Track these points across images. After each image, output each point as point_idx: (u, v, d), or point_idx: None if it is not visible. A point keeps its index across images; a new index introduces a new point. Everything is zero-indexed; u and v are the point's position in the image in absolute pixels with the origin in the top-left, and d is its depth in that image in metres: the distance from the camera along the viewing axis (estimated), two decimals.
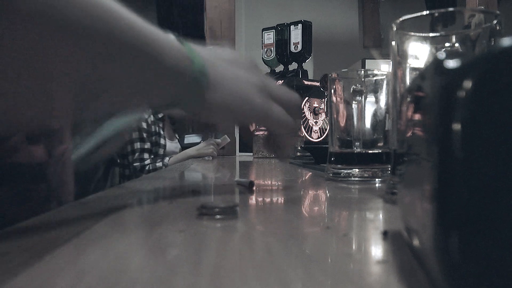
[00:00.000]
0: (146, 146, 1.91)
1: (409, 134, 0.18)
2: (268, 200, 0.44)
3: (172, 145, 2.04)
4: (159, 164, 1.89)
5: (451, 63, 0.12)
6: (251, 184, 0.47)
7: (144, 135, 1.89)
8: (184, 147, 2.06)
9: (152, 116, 1.93)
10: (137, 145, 1.86)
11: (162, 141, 1.97)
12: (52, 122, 0.31)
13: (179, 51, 0.35)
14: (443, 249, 0.12)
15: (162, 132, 1.98)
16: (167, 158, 1.89)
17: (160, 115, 1.97)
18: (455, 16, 0.37)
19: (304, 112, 1.87)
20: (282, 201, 0.43)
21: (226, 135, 1.72)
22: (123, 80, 0.31)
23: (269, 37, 2.13)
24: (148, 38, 0.32)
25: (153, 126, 1.93)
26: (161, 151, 1.94)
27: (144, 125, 1.89)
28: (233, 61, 0.41)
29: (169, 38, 0.35)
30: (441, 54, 0.13)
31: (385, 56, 3.37)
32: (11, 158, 0.43)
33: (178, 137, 2.17)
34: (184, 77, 0.36)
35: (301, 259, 0.19)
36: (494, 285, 0.11)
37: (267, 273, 0.17)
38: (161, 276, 0.16)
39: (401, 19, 0.36)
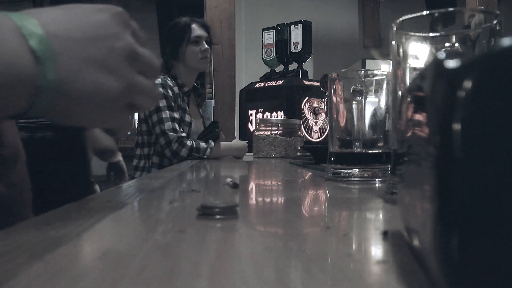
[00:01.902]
0: (176, 116, 1.59)
1: (409, 134, 0.18)
2: (268, 200, 0.44)
3: (196, 124, 1.72)
4: (203, 144, 1.54)
5: (451, 63, 0.12)
6: (235, 185, 0.47)
7: (172, 103, 1.59)
8: None
9: (177, 87, 1.65)
10: (166, 113, 1.56)
11: (187, 118, 1.66)
12: None
13: (16, 50, 0.30)
14: (443, 249, 0.12)
15: (187, 108, 1.68)
16: (211, 142, 1.57)
17: (186, 89, 1.69)
18: (455, 16, 0.37)
19: (304, 112, 1.88)
20: (282, 201, 0.43)
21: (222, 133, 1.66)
22: None
23: (269, 37, 2.13)
24: None
25: (178, 99, 1.64)
26: (186, 129, 1.63)
27: (170, 93, 1.60)
28: (93, 26, 0.34)
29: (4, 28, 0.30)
30: (441, 54, 0.13)
31: (385, 56, 3.37)
32: None
33: (202, 116, 1.85)
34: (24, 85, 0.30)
35: (301, 259, 0.19)
36: (494, 285, 0.11)
37: (267, 273, 0.17)
38: (161, 276, 0.16)
39: (401, 19, 0.36)
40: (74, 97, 0.33)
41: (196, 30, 1.69)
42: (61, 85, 0.32)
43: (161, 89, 1.56)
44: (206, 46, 1.69)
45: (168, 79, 1.63)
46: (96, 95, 0.34)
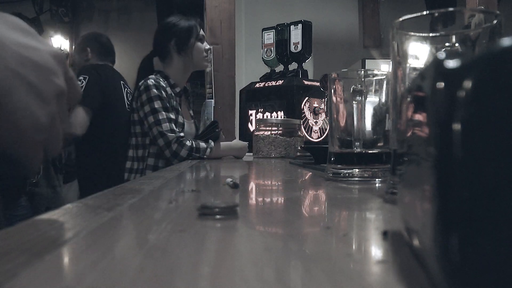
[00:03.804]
0: (172, 117, 1.57)
1: (409, 134, 0.18)
2: (268, 200, 0.44)
3: (188, 125, 1.70)
4: (203, 144, 1.53)
5: (451, 63, 0.12)
6: (235, 185, 0.47)
7: (167, 104, 1.57)
8: None
9: (169, 87, 1.63)
10: (162, 114, 1.54)
11: (180, 119, 1.64)
12: None
13: None
14: (443, 249, 0.12)
15: (179, 109, 1.66)
16: (211, 142, 1.55)
17: (177, 89, 1.67)
18: (455, 16, 0.37)
19: (304, 112, 1.88)
20: (282, 201, 0.43)
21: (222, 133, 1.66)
22: None
23: (269, 37, 2.13)
24: None
25: (171, 100, 1.62)
26: (180, 131, 1.60)
27: (164, 93, 1.57)
28: (37, 53, 0.33)
29: None
30: (441, 54, 0.13)
31: (385, 56, 3.37)
32: None
33: (194, 117, 1.84)
34: None
35: (301, 259, 0.19)
36: (494, 285, 0.11)
37: (267, 273, 0.17)
38: (161, 276, 0.16)
39: (401, 19, 0.36)
40: None
41: (201, 30, 1.71)
42: None
43: (155, 90, 1.55)
44: (209, 46, 1.71)
45: (161, 79, 1.61)
46: (22, 119, 0.31)
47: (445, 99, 0.12)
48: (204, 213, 0.29)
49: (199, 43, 1.67)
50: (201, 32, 1.71)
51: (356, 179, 0.55)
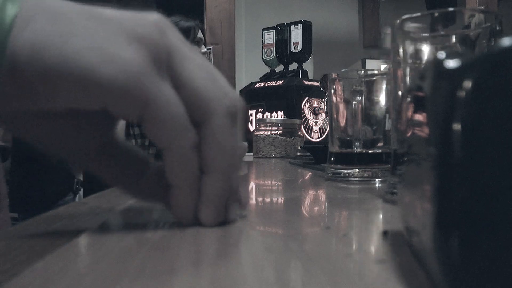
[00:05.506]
0: (146, 143, 1.58)
1: (409, 134, 0.18)
2: (268, 200, 0.44)
3: None
4: None
5: (451, 63, 0.12)
6: None
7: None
8: None
9: None
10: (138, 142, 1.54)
11: None
12: None
13: None
14: (443, 249, 0.12)
15: None
16: None
17: None
18: (455, 16, 0.37)
19: (304, 112, 1.88)
20: (282, 201, 0.43)
21: None
22: None
23: (269, 37, 2.13)
24: None
25: None
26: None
27: None
28: None
29: None
30: (441, 54, 0.13)
31: (385, 56, 3.37)
32: None
33: None
34: None
35: (301, 259, 0.19)
36: (494, 285, 0.11)
37: (267, 273, 0.17)
38: (161, 276, 0.16)
39: (401, 19, 0.36)
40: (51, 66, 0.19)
41: (199, 33, 1.70)
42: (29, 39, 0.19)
43: None
44: (206, 49, 1.70)
45: None
46: (101, 66, 0.20)
47: (445, 99, 0.12)
48: None
49: (195, 47, 1.68)
50: (200, 35, 1.69)
51: (356, 179, 0.55)
